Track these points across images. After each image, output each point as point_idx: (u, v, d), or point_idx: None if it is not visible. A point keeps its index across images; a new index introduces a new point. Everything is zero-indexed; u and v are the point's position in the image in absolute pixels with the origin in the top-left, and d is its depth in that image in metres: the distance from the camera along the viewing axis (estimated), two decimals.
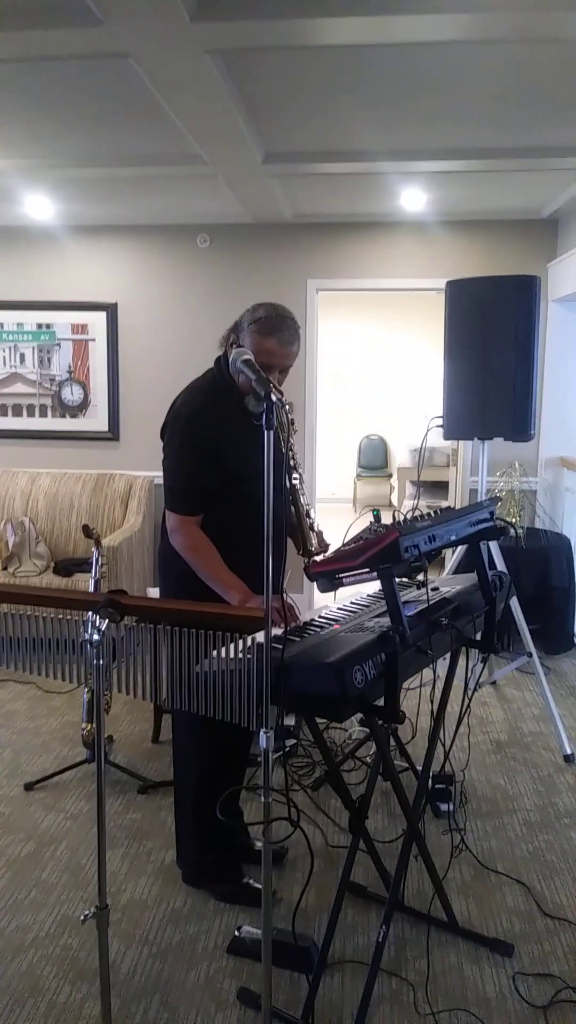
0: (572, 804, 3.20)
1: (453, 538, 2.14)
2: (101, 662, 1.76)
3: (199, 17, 2.44)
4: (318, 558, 2.40)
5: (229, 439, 2.35)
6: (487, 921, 2.52)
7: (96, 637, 1.74)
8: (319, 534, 2.56)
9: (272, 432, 1.66)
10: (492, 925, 2.50)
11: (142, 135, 3.65)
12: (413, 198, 4.67)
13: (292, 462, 2.47)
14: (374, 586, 2.11)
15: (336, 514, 8.35)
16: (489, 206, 4.97)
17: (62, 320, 5.53)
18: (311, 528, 2.53)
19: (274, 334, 2.31)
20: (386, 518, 2.24)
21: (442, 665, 2.51)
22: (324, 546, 2.56)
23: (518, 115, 3.39)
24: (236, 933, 2.40)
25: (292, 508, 2.50)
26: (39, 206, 4.86)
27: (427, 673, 2.22)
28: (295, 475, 2.50)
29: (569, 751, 3.57)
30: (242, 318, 2.39)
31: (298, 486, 2.51)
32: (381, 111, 3.34)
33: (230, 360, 2.10)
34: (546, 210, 5.00)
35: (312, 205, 4.98)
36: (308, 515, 2.53)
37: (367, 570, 1.91)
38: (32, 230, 5.45)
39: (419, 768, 2.57)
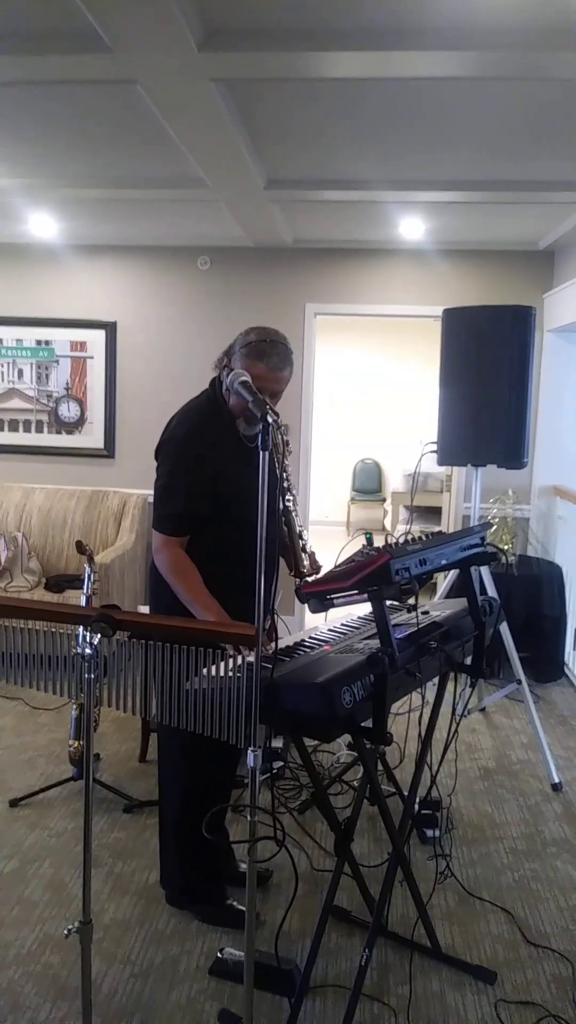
0: (559, 833, 3.20)
1: (444, 562, 2.17)
2: (92, 676, 1.77)
3: (206, 47, 2.50)
4: (310, 579, 2.42)
5: (223, 460, 2.36)
6: (471, 948, 2.51)
7: (88, 651, 1.74)
8: (311, 555, 2.58)
9: (267, 453, 1.69)
10: (475, 952, 2.50)
11: (147, 158, 3.71)
12: (412, 227, 4.74)
13: (286, 484, 2.49)
14: (365, 608, 2.13)
15: (329, 537, 8.37)
16: (487, 237, 5.06)
17: (61, 337, 5.58)
18: (303, 549, 2.55)
19: (263, 359, 2.31)
20: (379, 542, 2.26)
21: (431, 691, 2.53)
22: (316, 567, 2.57)
23: (516, 149, 3.46)
24: (218, 955, 2.39)
25: (285, 529, 2.51)
26: (42, 224, 4.92)
27: (416, 699, 2.23)
28: (288, 497, 2.52)
29: (557, 780, 3.57)
30: (235, 341, 2.40)
31: (291, 507, 2.53)
32: (381, 142, 3.41)
33: (227, 381, 2.14)
34: (543, 242, 5.08)
35: (312, 231, 5.05)
36: (301, 536, 2.55)
37: (358, 592, 1.93)
38: (35, 248, 5.51)
39: (406, 793, 2.57)
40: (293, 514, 2.52)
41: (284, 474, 2.48)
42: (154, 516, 2.42)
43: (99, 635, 1.75)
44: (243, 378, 1.99)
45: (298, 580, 2.52)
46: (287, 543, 2.52)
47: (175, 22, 2.31)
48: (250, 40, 2.50)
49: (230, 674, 1.75)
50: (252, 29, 2.48)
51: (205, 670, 1.74)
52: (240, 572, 2.19)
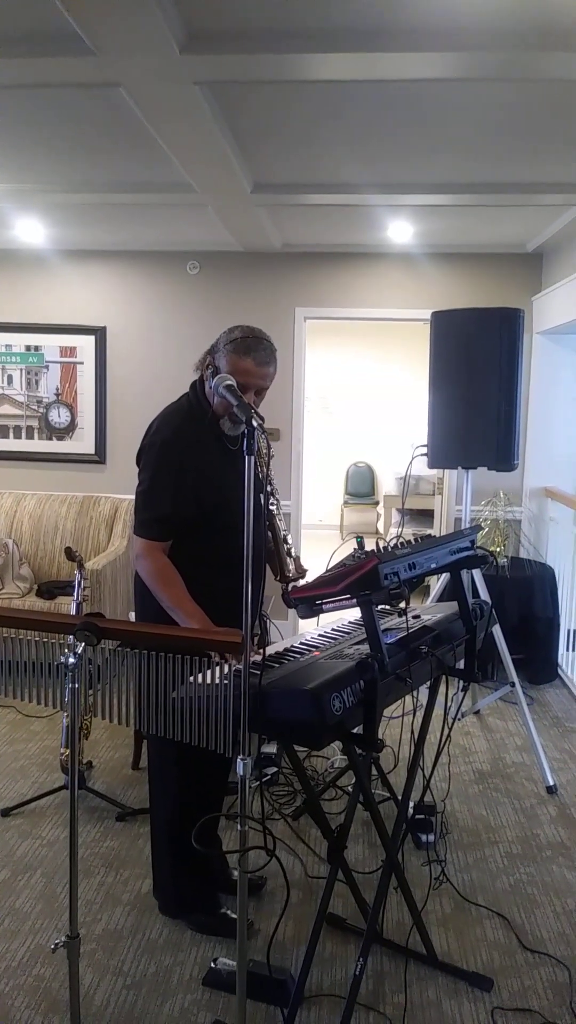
0: (554, 836, 3.18)
1: (433, 566, 2.15)
2: (77, 686, 1.74)
3: (189, 50, 2.48)
4: (299, 583, 2.40)
5: (205, 464, 2.34)
6: (467, 954, 2.49)
7: (72, 660, 1.72)
8: (296, 559, 2.56)
9: (252, 458, 1.67)
10: (472, 959, 2.47)
11: (133, 163, 3.70)
12: (400, 230, 4.74)
13: (269, 487, 2.47)
14: (356, 612, 2.11)
15: (323, 541, 8.36)
16: (475, 239, 5.05)
17: (51, 343, 5.56)
18: (288, 553, 2.53)
19: (250, 354, 2.31)
20: (371, 545, 2.24)
21: (425, 694, 2.51)
22: (301, 571, 2.55)
23: (503, 151, 3.45)
24: (212, 965, 2.36)
25: (269, 533, 2.49)
26: (30, 230, 4.90)
27: (410, 702, 2.21)
28: (272, 500, 2.50)
29: (552, 782, 3.56)
30: (218, 340, 2.38)
31: (275, 511, 2.51)
32: (368, 144, 3.39)
33: (212, 385, 2.12)
34: (531, 244, 5.08)
35: (300, 235, 5.04)
36: (285, 540, 2.52)
37: (347, 597, 1.91)
38: (23, 253, 5.49)
39: (400, 798, 2.54)
40: (277, 518, 2.50)
41: (267, 478, 2.46)
42: (136, 521, 2.38)
43: (83, 644, 1.73)
44: (228, 382, 1.99)
45: (284, 585, 2.50)
46: (271, 547, 2.50)
47: (156, 24, 2.30)
48: (234, 42, 2.49)
49: (217, 682, 1.73)
50: (235, 31, 2.46)
51: (192, 678, 1.72)
52: (225, 578, 2.17)
